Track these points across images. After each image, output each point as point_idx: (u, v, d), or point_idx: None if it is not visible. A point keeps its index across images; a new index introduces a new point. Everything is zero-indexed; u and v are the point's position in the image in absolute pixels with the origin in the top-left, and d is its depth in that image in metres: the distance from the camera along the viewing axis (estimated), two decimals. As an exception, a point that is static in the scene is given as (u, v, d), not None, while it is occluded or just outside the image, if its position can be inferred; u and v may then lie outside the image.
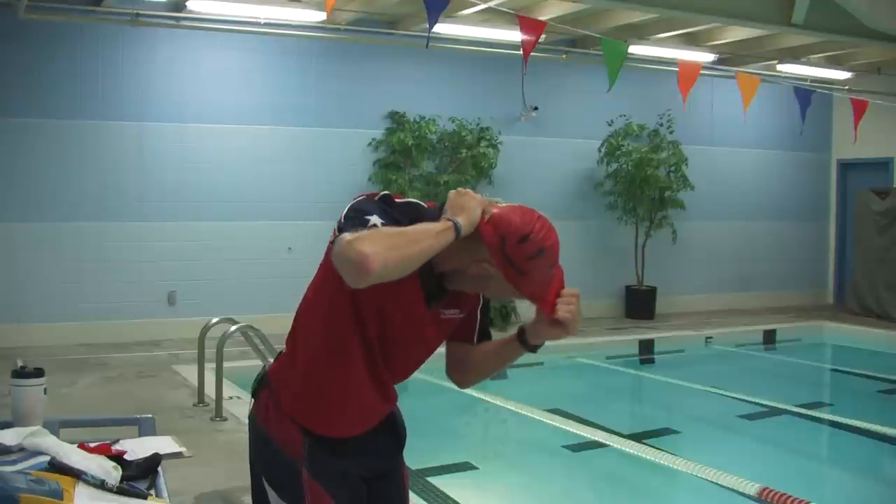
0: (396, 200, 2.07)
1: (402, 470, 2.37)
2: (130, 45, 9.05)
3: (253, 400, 2.28)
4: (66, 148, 8.87)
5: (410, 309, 2.09)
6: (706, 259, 12.52)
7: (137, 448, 2.55)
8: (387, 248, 1.81)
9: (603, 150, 11.25)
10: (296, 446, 2.13)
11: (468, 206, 1.97)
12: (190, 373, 7.20)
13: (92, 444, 2.47)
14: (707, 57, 10.70)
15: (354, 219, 1.93)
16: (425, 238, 1.89)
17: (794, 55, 11.19)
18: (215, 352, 6.04)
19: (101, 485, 2.12)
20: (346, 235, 1.82)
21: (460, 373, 2.31)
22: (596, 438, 6.25)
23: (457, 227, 1.92)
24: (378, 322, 2.07)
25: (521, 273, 1.97)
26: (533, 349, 2.16)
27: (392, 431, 2.30)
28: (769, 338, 10.71)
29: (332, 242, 1.94)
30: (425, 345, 2.19)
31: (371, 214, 1.94)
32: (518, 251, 1.95)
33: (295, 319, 2.20)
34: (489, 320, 2.33)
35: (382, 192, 2.06)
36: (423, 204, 2.10)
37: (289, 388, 2.18)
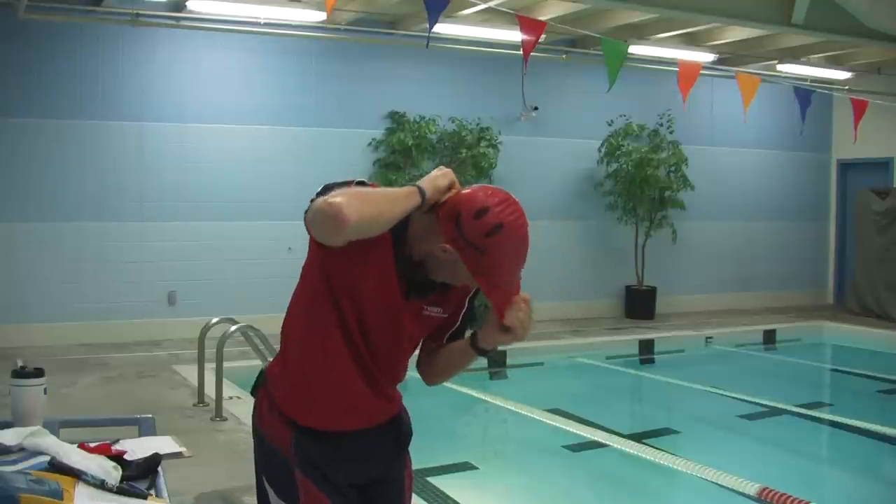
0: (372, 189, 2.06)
1: (403, 474, 2.32)
2: (130, 45, 9.05)
3: (254, 401, 2.28)
4: (66, 148, 8.87)
5: (386, 299, 2.06)
6: (706, 259, 12.51)
7: (137, 448, 2.55)
8: (361, 201, 1.84)
9: (603, 150, 11.24)
10: (284, 444, 2.13)
11: (436, 175, 2.02)
12: (190, 373, 7.20)
13: (92, 444, 2.47)
14: (707, 57, 10.70)
15: (327, 189, 1.93)
16: (395, 199, 1.93)
17: (794, 55, 11.18)
18: (215, 352, 6.04)
19: (101, 485, 2.13)
20: (319, 198, 1.87)
21: (427, 371, 2.30)
22: (596, 438, 6.25)
23: (421, 191, 1.95)
24: (354, 310, 2.05)
25: (480, 252, 1.94)
26: (483, 353, 2.14)
27: (394, 431, 2.25)
28: (769, 338, 10.71)
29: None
30: (408, 338, 2.16)
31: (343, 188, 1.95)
32: (474, 226, 1.93)
33: (285, 315, 2.21)
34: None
35: (358, 179, 2.04)
36: None
37: (280, 382, 2.18)
